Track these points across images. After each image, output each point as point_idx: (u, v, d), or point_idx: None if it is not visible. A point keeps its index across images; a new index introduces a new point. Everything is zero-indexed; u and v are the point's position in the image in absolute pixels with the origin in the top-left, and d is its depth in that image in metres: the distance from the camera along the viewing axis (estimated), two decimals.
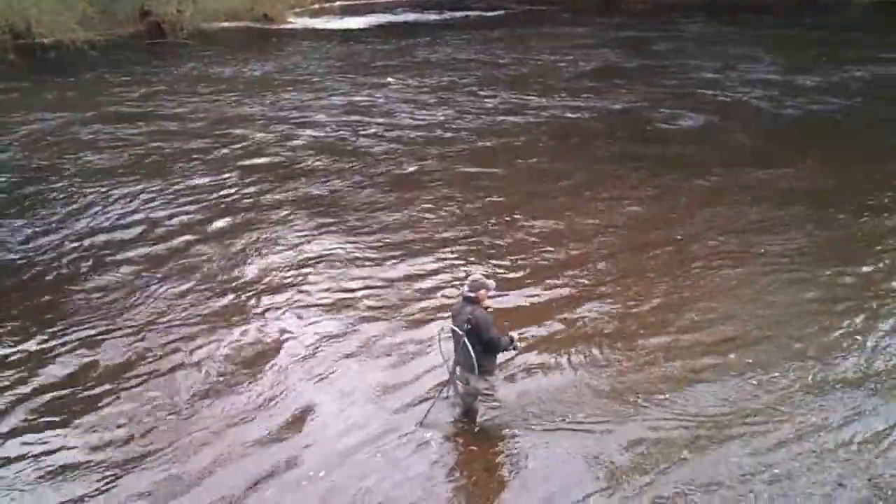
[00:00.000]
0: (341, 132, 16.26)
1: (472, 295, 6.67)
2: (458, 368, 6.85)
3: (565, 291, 9.37)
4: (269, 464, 6.62)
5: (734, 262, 9.88)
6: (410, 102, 18.80)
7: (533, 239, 10.91)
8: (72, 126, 17.02)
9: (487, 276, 6.91)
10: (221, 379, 7.81)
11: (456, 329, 6.68)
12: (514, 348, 6.87)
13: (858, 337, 8.07)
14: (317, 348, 8.27)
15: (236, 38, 29.13)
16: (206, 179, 13.50)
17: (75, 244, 11.02)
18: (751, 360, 7.71)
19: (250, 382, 7.72)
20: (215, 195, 12.74)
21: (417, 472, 6.49)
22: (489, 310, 6.77)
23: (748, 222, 11.14)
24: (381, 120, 17.22)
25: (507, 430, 6.95)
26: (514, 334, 6.87)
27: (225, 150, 15.15)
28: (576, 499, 6.13)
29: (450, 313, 7.02)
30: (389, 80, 20.95)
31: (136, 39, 27.66)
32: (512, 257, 10.36)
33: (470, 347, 6.52)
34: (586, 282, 9.62)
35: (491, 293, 6.79)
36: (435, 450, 6.76)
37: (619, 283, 9.53)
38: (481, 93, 19.53)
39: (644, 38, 26.73)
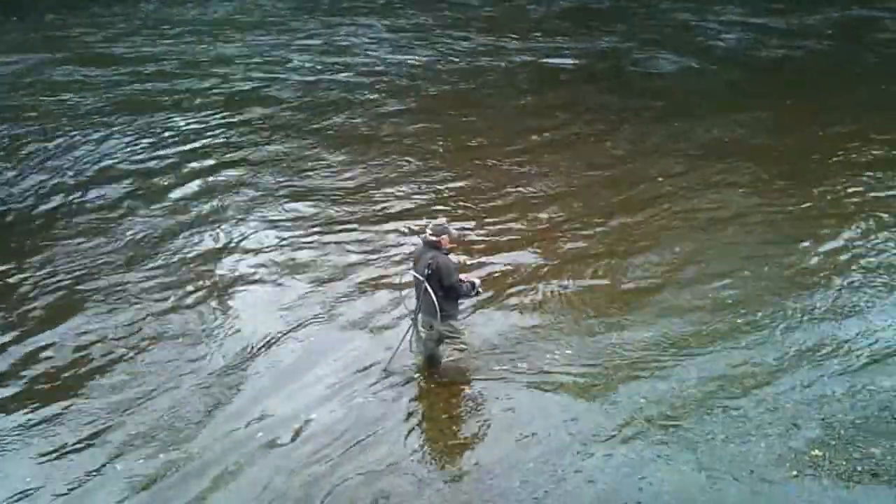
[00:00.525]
0: (322, 76, 16.08)
1: (434, 239, 6.60)
2: (420, 315, 6.82)
3: (537, 232, 9.41)
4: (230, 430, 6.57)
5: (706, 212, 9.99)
6: (386, 44, 18.54)
7: (510, 183, 10.91)
8: (44, 68, 16.78)
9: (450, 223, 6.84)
10: (182, 329, 7.85)
11: (416, 275, 6.63)
12: (477, 294, 6.85)
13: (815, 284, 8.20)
14: (280, 302, 8.25)
15: None
16: (186, 123, 13.39)
17: (58, 185, 11.04)
18: (725, 309, 7.79)
19: (214, 340, 7.71)
20: (197, 141, 12.64)
21: (379, 417, 6.51)
22: (451, 255, 6.72)
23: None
24: (359, 61, 17.01)
25: (470, 376, 6.97)
26: (477, 280, 6.84)
27: (205, 93, 14.99)
28: (537, 449, 6.14)
29: (411, 259, 6.95)
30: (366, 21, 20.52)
31: None
32: (482, 200, 10.37)
33: (432, 293, 6.48)
34: (559, 224, 9.65)
35: (453, 238, 6.74)
36: (398, 395, 6.77)
37: (590, 226, 9.58)
38: (456, 34, 19.23)
39: None
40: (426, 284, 6.51)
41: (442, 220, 6.76)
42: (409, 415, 6.56)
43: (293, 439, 6.33)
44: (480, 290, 6.87)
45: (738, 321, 7.56)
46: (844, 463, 5.81)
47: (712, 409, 6.41)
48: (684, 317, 7.66)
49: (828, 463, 5.82)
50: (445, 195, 10.73)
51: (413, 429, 6.41)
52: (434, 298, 6.49)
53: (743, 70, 16.25)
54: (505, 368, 7.00)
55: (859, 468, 5.76)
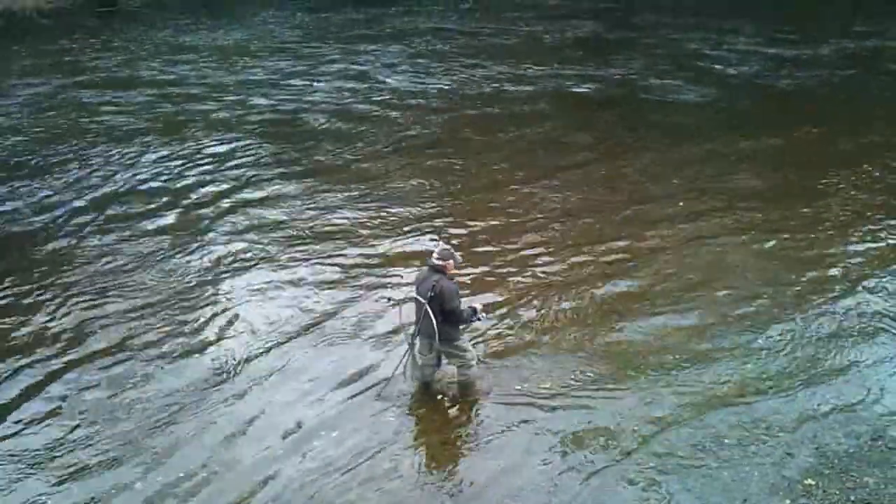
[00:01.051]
0: (346, 99, 16.40)
1: (440, 264, 6.74)
2: (418, 339, 6.92)
3: (551, 265, 9.51)
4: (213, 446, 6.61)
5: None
6: (401, 70, 18.82)
7: (527, 204, 11.20)
8: (66, 91, 17.16)
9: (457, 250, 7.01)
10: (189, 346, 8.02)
11: (418, 297, 6.78)
12: (479, 319, 6.97)
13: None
14: (275, 321, 8.36)
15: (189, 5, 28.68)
16: (218, 144, 13.79)
17: (87, 206, 11.35)
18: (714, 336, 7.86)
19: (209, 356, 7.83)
20: (227, 162, 12.98)
21: (374, 445, 6.52)
22: (455, 281, 6.88)
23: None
24: (378, 87, 17.33)
25: (469, 400, 7.03)
26: (478, 306, 6.96)
27: (233, 114, 15.38)
28: (533, 479, 6.14)
29: (414, 282, 7.11)
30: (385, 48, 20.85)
31: (84, 8, 27.57)
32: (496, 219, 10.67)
33: (432, 316, 6.61)
34: (567, 244, 9.89)
35: (458, 264, 6.91)
36: (393, 422, 6.81)
37: (599, 244, 9.81)
38: (471, 61, 19.49)
39: (619, 9, 26.49)
40: (427, 307, 6.65)
41: (447, 245, 6.93)
42: (401, 441, 6.60)
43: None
44: (483, 316, 6.98)
45: (737, 343, 7.63)
46: (838, 493, 5.84)
47: (705, 436, 6.45)
48: (681, 340, 7.73)
49: (821, 492, 5.85)
50: (455, 212, 10.92)
51: (406, 456, 6.44)
52: (434, 322, 6.63)
53: (754, 98, 16.41)
54: (504, 390, 7.09)
55: (853, 497, 5.80)
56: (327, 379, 7.37)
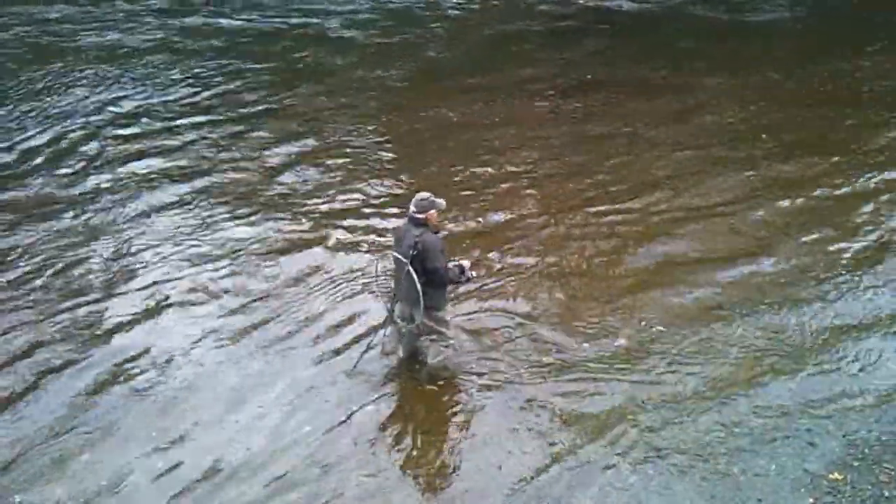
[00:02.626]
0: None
1: (421, 216, 5.79)
2: (398, 304, 6.05)
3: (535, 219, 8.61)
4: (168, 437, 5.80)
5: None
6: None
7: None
8: None
9: (437, 196, 6.01)
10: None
11: (399, 256, 5.82)
12: (467, 280, 6.07)
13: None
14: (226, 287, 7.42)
15: None
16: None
17: None
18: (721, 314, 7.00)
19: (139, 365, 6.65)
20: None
21: (344, 432, 5.77)
22: (440, 234, 5.91)
23: None
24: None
25: (453, 380, 6.24)
26: (466, 263, 6.07)
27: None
28: (517, 472, 5.44)
29: (392, 238, 6.12)
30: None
31: None
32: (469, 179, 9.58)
33: (416, 277, 5.69)
34: (562, 206, 8.87)
35: (441, 213, 5.97)
36: (367, 403, 6.02)
37: (601, 207, 8.79)
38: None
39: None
40: (409, 267, 5.71)
41: (426, 193, 5.93)
42: (381, 428, 5.82)
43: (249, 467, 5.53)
44: (472, 274, 6.10)
45: (746, 320, 6.84)
46: (870, 487, 5.19)
47: (714, 426, 5.72)
48: (686, 320, 6.89)
49: (850, 488, 5.20)
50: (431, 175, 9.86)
51: (385, 447, 5.67)
52: (418, 284, 5.69)
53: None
54: (489, 373, 6.28)
55: (887, 494, 5.13)
56: (292, 356, 6.55)
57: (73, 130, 10.70)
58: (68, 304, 7.15)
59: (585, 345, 6.55)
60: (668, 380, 6.16)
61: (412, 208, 5.86)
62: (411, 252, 5.72)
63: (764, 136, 10.31)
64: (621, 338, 6.62)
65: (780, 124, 10.65)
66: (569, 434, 5.68)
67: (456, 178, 9.47)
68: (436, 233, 5.90)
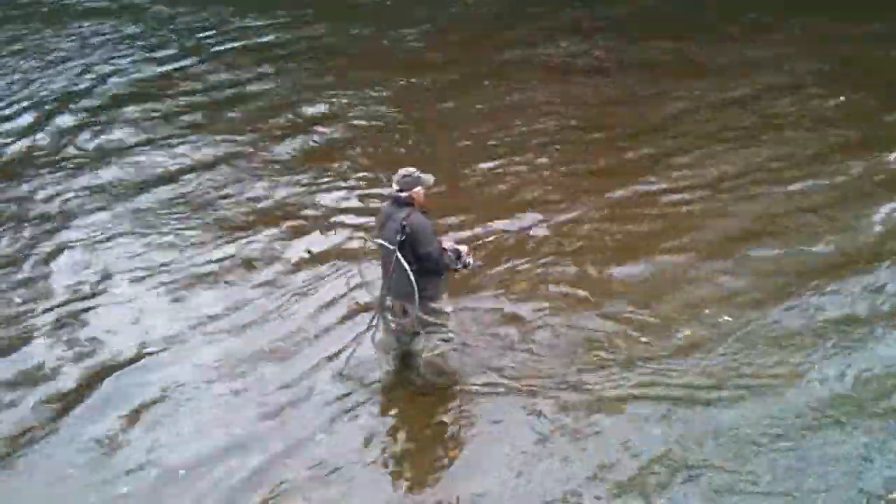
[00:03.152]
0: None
1: (405, 195, 4.99)
2: (388, 298, 5.24)
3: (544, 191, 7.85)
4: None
5: None
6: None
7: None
8: None
9: (422, 171, 5.22)
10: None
11: (384, 243, 5.02)
12: (465, 267, 5.26)
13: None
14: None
15: None
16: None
17: None
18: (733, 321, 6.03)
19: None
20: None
21: (331, 443, 5.03)
22: (428, 214, 5.09)
23: None
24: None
25: (452, 382, 5.45)
26: (464, 248, 5.27)
27: None
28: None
29: (375, 222, 5.30)
30: None
31: None
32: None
33: (407, 266, 4.90)
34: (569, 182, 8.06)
35: (428, 190, 5.16)
36: (355, 410, 5.27)
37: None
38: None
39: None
40: (398, 254, 4.89)
41: (410, 168, 5.13)
42: (371, 441, 5.05)
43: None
44: (470, 261, 5.29)
45: (786, 317, 5.91)
46: None
47: (752, 438, 4.86)
48: (712, 314, 6.00)
49: None
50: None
51: (376, 462, 4.92)
52: (410, 273, 4.87)
53: None
54: (492, 374, 5.49)
55: None
56: (273, 358, 5.81)
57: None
58: None
59: (643, 339, 5.72)
60: (704, 392, 5.25)
61: (394, 186, 5.08)
62: (398, 237, 4.95)
63: (842, 98, 9.45)
64: (685, 329, 5.80)
65: None
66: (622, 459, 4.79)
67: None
68: (424, 213, 5.10)
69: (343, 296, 6.35)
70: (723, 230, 7.04)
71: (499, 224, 7.22)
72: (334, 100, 10.23)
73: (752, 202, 7.46)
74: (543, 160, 8.46)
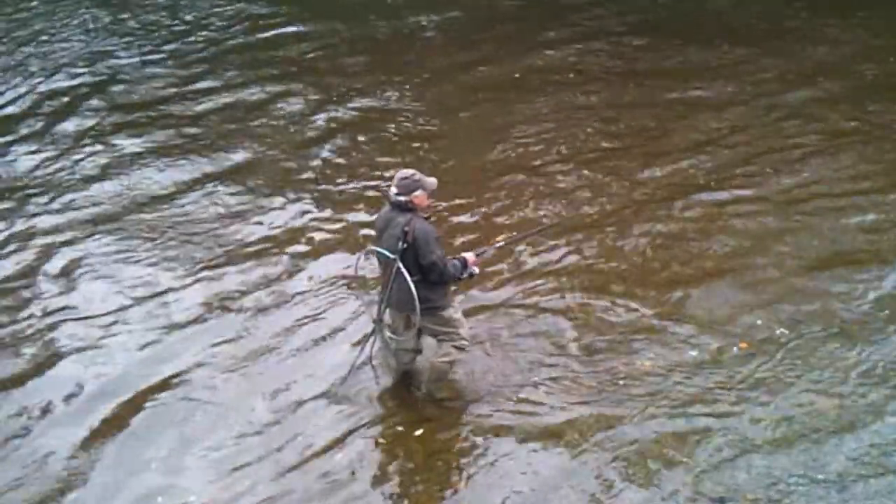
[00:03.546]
0: None
1: (404, 199, 4.53)
2: (388, 312, 4.77)
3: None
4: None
5: None
6: None
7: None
8: None
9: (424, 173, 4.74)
10: None
11: (383, 251, 4.56)
12: (470, 276, 4.78)
13: None
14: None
15: None
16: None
17: None
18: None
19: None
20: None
21: (323, 469, 4.51)
22: (431, 220, 4.65)
23: None
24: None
25: (457, 403, 4.94)
26: (470, 256, 4.78)
27: None
28: None
29: (374, 230, 4.85)
30: None
31: None
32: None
33: (408, 276, 4.43)
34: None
35: (431, 194, 4.69)
36: (354, 433, 4.73)
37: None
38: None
39: None
40: (399, 264, 4.44)
41: (409, 170, 4.67)
42: (353, 473, 4.52)
43: None
44: (475, 270, 4.79)
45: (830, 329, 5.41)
46: None
47: (795, 471, 4.35)
48: (746, 328, 5.46)
49: None
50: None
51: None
52: (411, 286, 4.43)
53: None
54: (498, 402, 4.93)
55: None
56: (263, 374, 5.26)
57: None
58: None
59: (692, 352, 5.19)
60: (738, 418, 4.72)
61: (394, 190, 4.59)
62: (400, 245, 4.45)
63: None
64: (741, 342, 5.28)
65: None
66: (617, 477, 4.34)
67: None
68: (427, 219, 4.65)
69: (338, 314, 5.76)
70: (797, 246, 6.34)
71: (550, 240, 6.49)
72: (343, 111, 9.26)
73: (822, 217, 6.67)
74: (593, 171, 7.64)
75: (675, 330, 5.44)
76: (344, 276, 6.04)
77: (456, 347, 4.77)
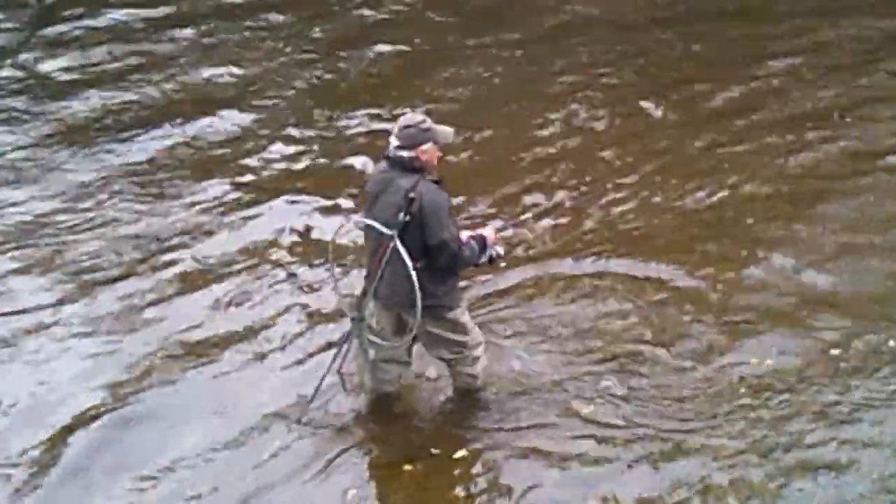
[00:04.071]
0: None
1: (408, 154, 3.30)
2: (373, 306, 3.52)
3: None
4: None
5: None
6: None
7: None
8: None
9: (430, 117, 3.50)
10: None
11: (375, 224, 3.33)
12: (490, 260, 3.58)
13: None
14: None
15: None
16: None
17: None
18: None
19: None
20: None
21: None
22: (441, 185, 3.43)
23: None
24: None
25: (462, 430, 3.73)
26: (489, 233, 3.58)
27: None
28: None
29: (365, 195, 3.59)
30: None
31: None
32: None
33: (408, 259, 3.20)
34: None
35: (446, 146, 3.49)
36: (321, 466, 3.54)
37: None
38: None
39: None
40: (397, 242, 3.22)
41: (418, 116, 3.45)
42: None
43: None
44: (500, 250, 3.61)
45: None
46: None
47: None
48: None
49: None
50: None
51: None
52: (412, 272, 3.21)
53: None
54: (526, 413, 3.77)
55: None
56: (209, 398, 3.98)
57: None
58: None
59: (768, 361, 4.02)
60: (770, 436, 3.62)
61: (394, 142, 3.35)
62: (401, 216, 3.24)
63: None
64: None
65: None
66: None
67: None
68: (437, 183, 3.43)
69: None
70: None
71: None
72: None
73: None
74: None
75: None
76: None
77: (469, 363, 3.59)
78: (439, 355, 3.61)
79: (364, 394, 3.81)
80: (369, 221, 3.37)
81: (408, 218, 3.23)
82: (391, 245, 3.27)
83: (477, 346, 3.63)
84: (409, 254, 3.25)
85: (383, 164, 3.42)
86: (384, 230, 3.28)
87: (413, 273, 3.23)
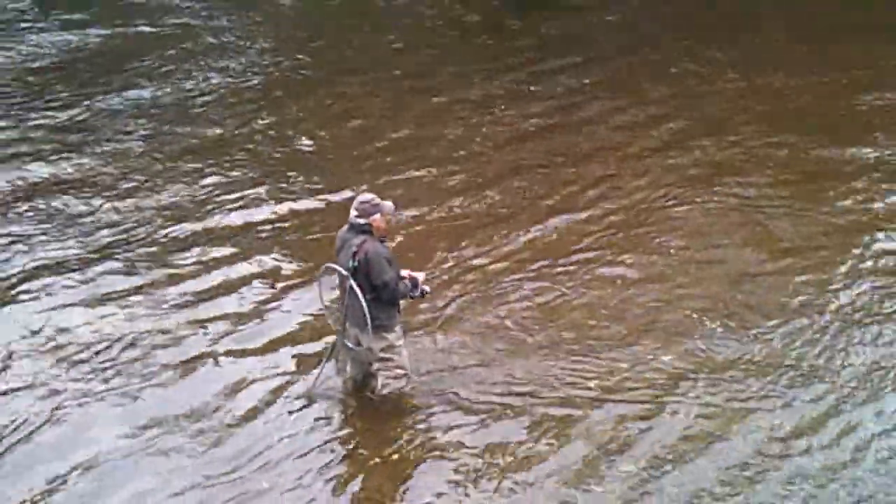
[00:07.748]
0: None
1: (362, 222, 4.88)
2: (347, 323, 5.13)
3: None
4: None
5: None
6: None
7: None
8: None
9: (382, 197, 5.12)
10: None
11: (338, 269, 4.92)
12: (422, 295, 5.17)
13: None
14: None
15: None
16: None
17: None
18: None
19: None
20: None
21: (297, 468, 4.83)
22: (386, 243, 4.99)
23: None
24: None
25: (410, 405, 5.27)
26: (420, 276, 5.15)
27: None
28: None
29: (335, 247, 5.20)
30: None
31: None
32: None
33: (360, 294, 4.78)
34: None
35: (389, 217, 5.03)
36: (320, 430, 5.10)
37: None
38: None
39: None
40: (352, 282, 4.77)
41: (369, 194, 5.05)
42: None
43: None
44: (427, 289, 5.20)
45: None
46: None
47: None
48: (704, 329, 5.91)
49: None
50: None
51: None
52: (363, 301, 4.76)
53: None
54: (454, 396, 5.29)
55: None
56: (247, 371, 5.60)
57: None
58: None
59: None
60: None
61: (353, 213, 4.96)
62: (351, 263, 4.81)
63: None
64: None
65: None
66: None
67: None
68: (381, 240, 4.99)
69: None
70: None
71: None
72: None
73: None
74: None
75: None
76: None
77: (393, 378, 5.12)
78: (376, 365, 5.15)
79: (347, 377, 5.34)
80: (335, 266, 4.96)
81: (356, 264, 4.78)
82: (349, 283, 4.82)
83: (401, 360, 5.11)
84: (362, 290, 4.78)
85: (346, 228, 5.02)
86: (344, 272, 4.86)
87: (364, 303, 4.76)
